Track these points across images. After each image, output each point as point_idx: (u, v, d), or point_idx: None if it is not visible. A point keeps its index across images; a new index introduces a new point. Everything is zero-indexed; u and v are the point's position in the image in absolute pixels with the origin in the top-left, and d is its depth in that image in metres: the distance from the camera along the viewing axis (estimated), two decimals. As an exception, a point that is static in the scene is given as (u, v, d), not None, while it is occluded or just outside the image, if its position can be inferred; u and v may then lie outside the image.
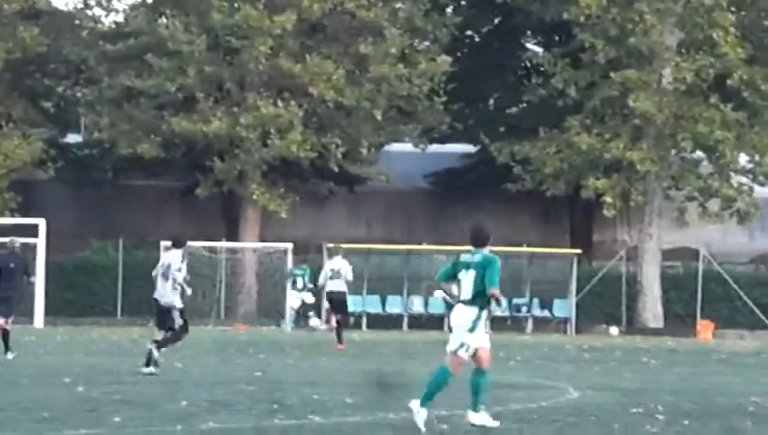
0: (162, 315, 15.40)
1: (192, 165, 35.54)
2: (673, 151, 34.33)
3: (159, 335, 15.37)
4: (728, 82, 32.78)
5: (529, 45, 39.56)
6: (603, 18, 32.68)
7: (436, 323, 31.30)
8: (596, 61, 33.18)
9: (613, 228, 39.40)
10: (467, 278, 10.08)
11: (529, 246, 34.88)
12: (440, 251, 31.86)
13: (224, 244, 34.06)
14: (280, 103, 32.76)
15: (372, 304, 33.50)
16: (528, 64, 37.88)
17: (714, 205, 34.46)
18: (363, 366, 16.17)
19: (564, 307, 33.83)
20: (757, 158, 33.89)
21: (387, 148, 37.73)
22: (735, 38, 32.33)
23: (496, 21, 39.39)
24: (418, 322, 33.06)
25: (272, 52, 32.68)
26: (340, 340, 21.39)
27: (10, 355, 17.29)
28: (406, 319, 33.43)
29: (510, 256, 33.95)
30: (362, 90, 33.22)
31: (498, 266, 9.97)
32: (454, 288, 10.29)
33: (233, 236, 35.15)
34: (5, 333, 17.52)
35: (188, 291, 15.68)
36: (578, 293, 33.86)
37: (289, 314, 30.33)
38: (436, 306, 31.64)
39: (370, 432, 9.92)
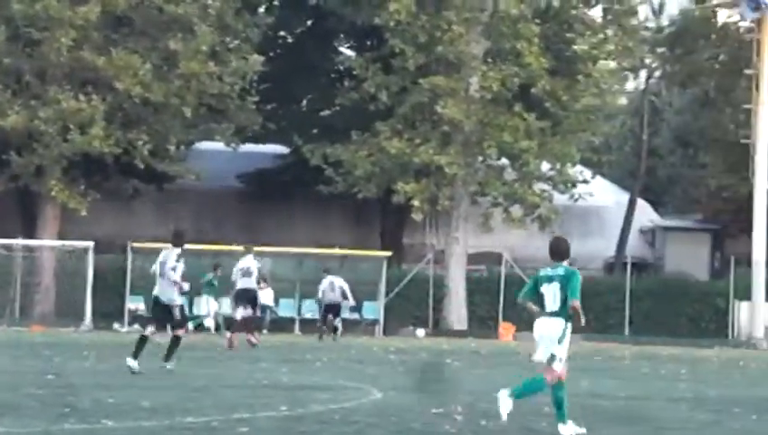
0: (163, 313, 15.81)
1: (-13, 159, 34.20)
2: (479, 158, 35.03)
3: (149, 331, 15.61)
4: (532, 91, 33.64)
5: (342, 49, 39.71)
6: (413, 25, 33.07)
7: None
8: (406, 67, 33.54)
9: (422, 232, 39.94)
10: (550, 291, 10.38)
11: (341, 247, 34.97)
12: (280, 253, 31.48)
13: (20, 241, 32.88)
14: (82, 97, 31.84)
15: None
16: (341, 68, 38.01)
17: (517, 211, 35.31)
18: (156, 367, 15.76)
19: (374, 309, 34.03)
20: (558, 166, 34.90)
21: (198, 146, 37.19)
22: (539, 49, 33.20)
23: (309, 23, 39.37)
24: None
25: (74, 44, 31.72)
26: (251, 332, 22.82)
27: None
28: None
29: (321, 257, 34.04)
30: (171, 86, 32.61)
31: (579, 280, 10.36)
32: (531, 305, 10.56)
33: (30, 233, 33.96)
34: None
35: (185, 287, 16.12)
36: (387, 295, 34.12)
37: (213, 320, 30.74)
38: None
39: (166, 437, 9.65)
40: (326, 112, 37.74)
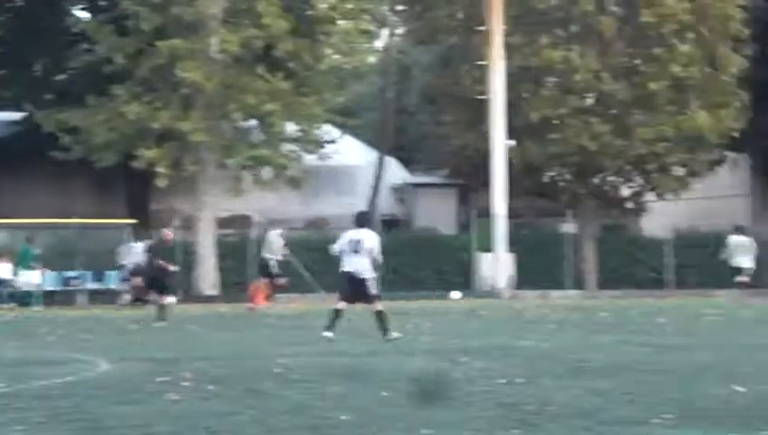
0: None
1: None
2: (224, 121, 34.57)
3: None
4: (275, 52, 33.37)
5: (75, 11, 38.27)
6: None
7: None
8: (141, 29, 32.62)
9: (169, 198, 39.18)
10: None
11: (85, 216, 33.86)
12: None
13: None
14: None
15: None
16: (74, 30, 36.60)
17: (267, 172, 35.09)
18: None
19: (115, 278, 33.25)
20: (305, 126, 34.87)
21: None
22: (278, 9, 32.95)
23: (37, -17, 37.78)
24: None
25: None
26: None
27: None
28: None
29: (59, 227, 32.91)
30: None
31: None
32: None
33: None
34: None
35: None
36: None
37: None
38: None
39: None
40: (60, 77, 36.32)
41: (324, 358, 13.96)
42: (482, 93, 35.88)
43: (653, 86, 35.60)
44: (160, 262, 23.08)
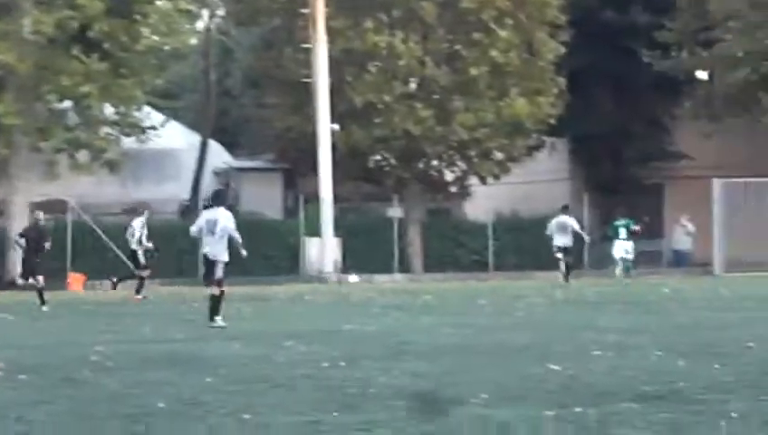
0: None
1: None
2: (38, 103, 33.48)
3: None
4: (90, 33, 32.47)
5: None
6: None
7: None
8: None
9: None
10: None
11: None
12: None
13: None
14: None
15: None
16: None
17: (84, 156, 34.17)
18: None
19: None
20: (123, 109, 34.09)
21: None
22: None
23: None
24: None
25: None
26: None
27: None
28: None
29: None
30: None
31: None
32: None
33: None
34: None
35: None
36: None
37: None
38: None
39: None
40: None
41: (145, 345, 13.67)
42: (306, 76, 35.77)
43: (473, 71, 36.14)
44: None
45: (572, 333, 13.89)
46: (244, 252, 16.93)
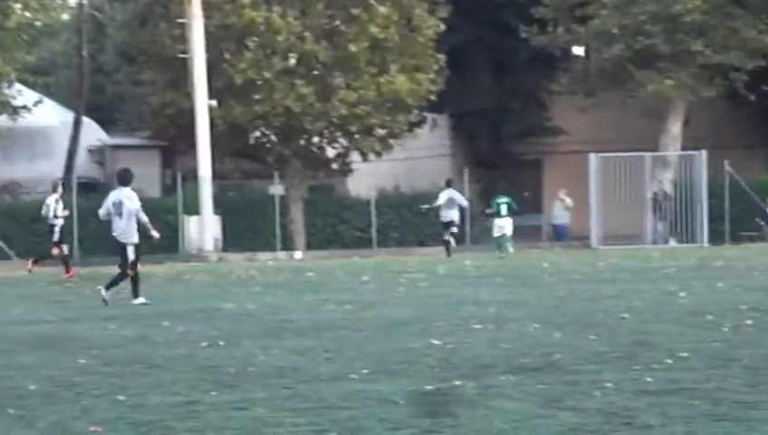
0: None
1: None
2: None
3: None
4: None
5: None
6: None
7: None
8: None
9: None
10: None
11: None
12: None
13: None
14: None
15: None
16: None
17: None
18: None
19: None
20: None
21: None
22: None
23: None
24: None
25: None
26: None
27: None
28: None
29: None
30: None
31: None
32: None
33: None
34: None
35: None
36: None
37: None
38: None
39: None
40: None
41: (16, 326, 13.29)
42: (183, 52, 35.20)
43: (353, 48, 36.02)
44: None
45: (453, 308, 13.94)
46: (155, 233, 16.66)
